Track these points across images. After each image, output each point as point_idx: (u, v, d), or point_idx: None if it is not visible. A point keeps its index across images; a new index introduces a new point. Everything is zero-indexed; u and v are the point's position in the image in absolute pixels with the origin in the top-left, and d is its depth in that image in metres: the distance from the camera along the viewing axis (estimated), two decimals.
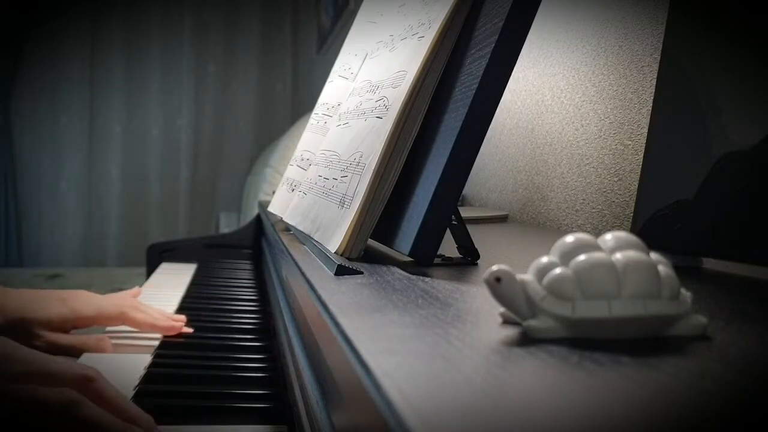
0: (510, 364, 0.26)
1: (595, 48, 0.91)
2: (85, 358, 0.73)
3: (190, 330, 0.83)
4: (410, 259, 0.51)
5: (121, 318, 0.80)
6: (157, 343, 0.79)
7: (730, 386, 0.23)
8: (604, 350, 0.27)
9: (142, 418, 0.50)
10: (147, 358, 0.72)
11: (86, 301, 0.80)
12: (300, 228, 0.68)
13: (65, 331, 0.78)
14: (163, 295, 1.04)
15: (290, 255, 0.60)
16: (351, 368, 0.27)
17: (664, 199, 0.55)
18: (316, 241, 0.59)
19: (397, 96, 0.57)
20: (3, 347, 0.48)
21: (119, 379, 0.62)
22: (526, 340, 0.29)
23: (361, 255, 0.54)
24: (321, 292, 0.40)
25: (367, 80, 0.68)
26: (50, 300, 0.78)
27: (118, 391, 0.51)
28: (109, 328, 0.84)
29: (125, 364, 0.70)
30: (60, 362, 0.49)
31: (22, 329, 0.74)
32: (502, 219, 1.10)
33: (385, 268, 0.49)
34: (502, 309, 0.32)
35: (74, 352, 0.75)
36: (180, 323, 0.82)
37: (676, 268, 0.30)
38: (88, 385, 0.48)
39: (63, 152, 3.37)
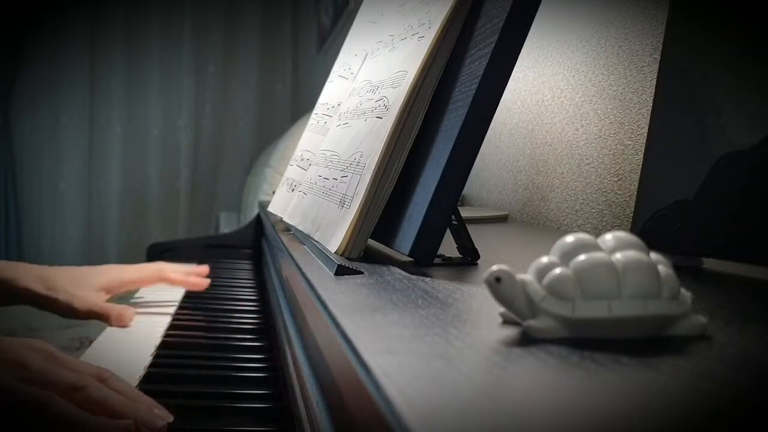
0: (510, 364, 0.26)
1: (595, 48, 0.91)
2: (87, 359, 0.73)
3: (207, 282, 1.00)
4: (410, 259, 0.51)
5: (159, 276, 0.96)
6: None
7: (730, 386, 0.23)
8: (604, 350, 0.27)
9: (140, 411, 0.51)
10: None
11: (128, 266, 0.96)
12: (300, 228, 0.68)
13: (112, 294, 0.93)
14: (163, 295, 1.04)
15: (290, 255, 0.60)
16: (351, 368, 0.27)
17: (664, 199, 0.55)
18: (316, 241, 0.59)
19: (397, 96, 0.57)
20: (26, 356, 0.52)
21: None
22: (526, 340, 0.29)
23: (361, 255, 0.54)
24: (321, 292, 0.40)
25: (367, 80, 0.68)
26: (100, 269, 0.93)
27: (112, 395, 0.52)
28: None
29: (126, 362, 0.70)
30: (55, 372, 0.52)
31: (68, 294, 0.86)
32: (502, 219, 1.10)
33: (385, 268, 0.49)
34: (502, 309, 0.32)
35: (105, 318, 0.86)
36: (205, 281, 0.98)
37: (676, 268, 0.30)
38: (76, 393, 0.50)
39: (63, 152, 3.37)
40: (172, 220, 3.47)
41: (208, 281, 1.00)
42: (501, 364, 0.26)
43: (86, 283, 0.88)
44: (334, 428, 0.37)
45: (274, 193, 0.93)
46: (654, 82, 0.63)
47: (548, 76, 1.05)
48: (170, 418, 0.52)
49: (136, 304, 0.97)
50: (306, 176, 0.76)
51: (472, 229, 0.55)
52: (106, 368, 0.56)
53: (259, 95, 3.54)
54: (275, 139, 2.86)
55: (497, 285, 0.30)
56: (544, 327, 0.29)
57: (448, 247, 0.54)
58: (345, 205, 0.57)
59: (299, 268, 0.51)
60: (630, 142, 0.81)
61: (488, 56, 0.49)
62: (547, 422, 0.20)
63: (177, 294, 1.05)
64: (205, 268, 1.01)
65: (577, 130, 0.94)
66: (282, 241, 0.72)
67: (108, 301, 0.90)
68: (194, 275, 0.99)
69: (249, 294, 1.09)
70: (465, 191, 1.37)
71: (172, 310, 0.95)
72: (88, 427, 0.48)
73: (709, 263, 0.54)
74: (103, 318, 0.86)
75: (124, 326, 0.85)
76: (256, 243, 1.47)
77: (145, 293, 1.04)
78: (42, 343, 0.55)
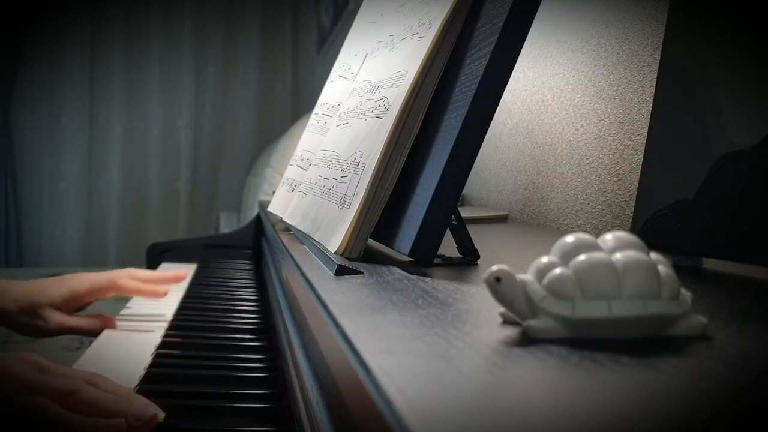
0: (510, 364, 0.26)
1: (595, 48, 0.91)
2: (87, 359, 0.73)
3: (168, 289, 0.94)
4: (410, 259, 0.51)
5: (113, 287, 0.88)
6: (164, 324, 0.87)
7: (730, 386, 0.23)
8: (604, 350, 0.27)
9: (131, 408, 0.51)
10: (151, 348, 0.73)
11: (80, 278, 0.88)
12: (300, 228, 0.68)
13: (69, 311, 0.86)
14: (152, 309, 1.02)
15: (290, 255, 0.60)
16: (351, 368, 0.27)
17: (664, 199, 0.55)
18: (316, 241, 0.59)
19: (397, 96, 0.57)
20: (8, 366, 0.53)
21: (119, 378, 0.62)
22: (526, 340, 0.29)
23: (361, 255, 0.54)
24: (321, 292, 0.40)
25: (367, 80, 0.68)
26: (51, 284, 0.86)
27: (104, 395, 0.53)
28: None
29: (126, 362, 0.70)
30: (47, 380, 0.52)
31: (32, 313, 0.82)
32: (502, 219, 1.10)
33: (385, 268, 0.49)
34: (502, 309, 0.32)
35: (83, 331, 0.84)
36: (165, 289, 0.92)
37: (676, 268, 0.30)
38: (68, 397, 0.51)
39: (63, 152, 3.37)
40: (172, 220, 3.46)
41: (166, 290, 0.93)
42: (501, 364, 0.26)
43: (39, 298, 0.84)
44: (334, 428, 0.37)
45: (274, 193, 0.93)
46: (654, 82, 0.63)
47: (548, 76, 1.05)
48: (162, 414, 0.52)
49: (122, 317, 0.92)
50: (306, 176, 0.76)
51: (472, 229, 0.55)
52: (97, 372, 0.57)
53: (259, 95, 3.54)
54: (275, 139, 2.86)
55: (497, 285, 0.30)
56: (544, 327, 0.29)
57: (448, 247, 0.54)
58: (345, 205, 0.57)
59: (299, 268, 0.51)
60: (630, 142, 0.81)
61: (488, 56, 0.49)
62: (547, 422, 0.20)
63: (177, 294, 1.04)
64: (182, 273, 0.95)
65: (577, 130, 0.94)
66: (282, 241, 0.72)
67: (87, 311, 0.89)
68: (161, 282, 0.93)
69: (249, 294, 1.09)
70: (465, 191, 1.37)
71: (172, 310, 0.94)
72: (82, 428, 0.49)
73: (709, 263, 0.54)
74: (83, 332, 0.85)
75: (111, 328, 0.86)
76: (256, 243, 1.47)
77: (135, 307, 0.98)
78: (32, 355, 0.56)
